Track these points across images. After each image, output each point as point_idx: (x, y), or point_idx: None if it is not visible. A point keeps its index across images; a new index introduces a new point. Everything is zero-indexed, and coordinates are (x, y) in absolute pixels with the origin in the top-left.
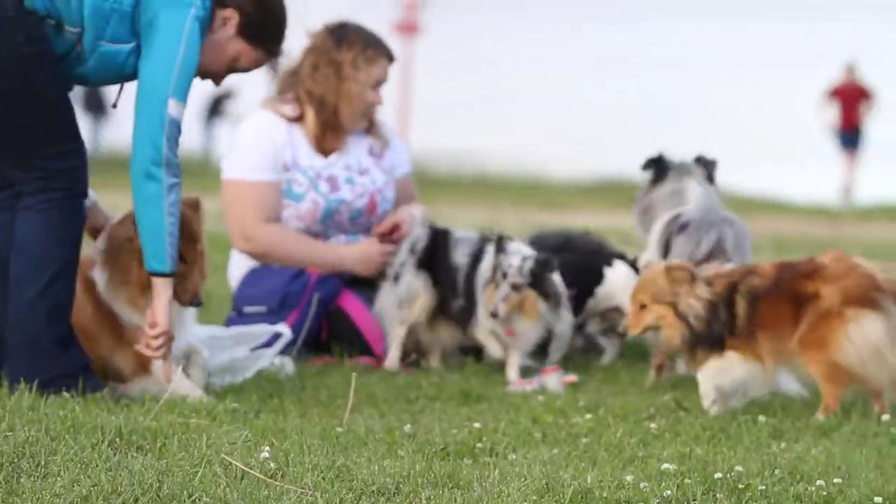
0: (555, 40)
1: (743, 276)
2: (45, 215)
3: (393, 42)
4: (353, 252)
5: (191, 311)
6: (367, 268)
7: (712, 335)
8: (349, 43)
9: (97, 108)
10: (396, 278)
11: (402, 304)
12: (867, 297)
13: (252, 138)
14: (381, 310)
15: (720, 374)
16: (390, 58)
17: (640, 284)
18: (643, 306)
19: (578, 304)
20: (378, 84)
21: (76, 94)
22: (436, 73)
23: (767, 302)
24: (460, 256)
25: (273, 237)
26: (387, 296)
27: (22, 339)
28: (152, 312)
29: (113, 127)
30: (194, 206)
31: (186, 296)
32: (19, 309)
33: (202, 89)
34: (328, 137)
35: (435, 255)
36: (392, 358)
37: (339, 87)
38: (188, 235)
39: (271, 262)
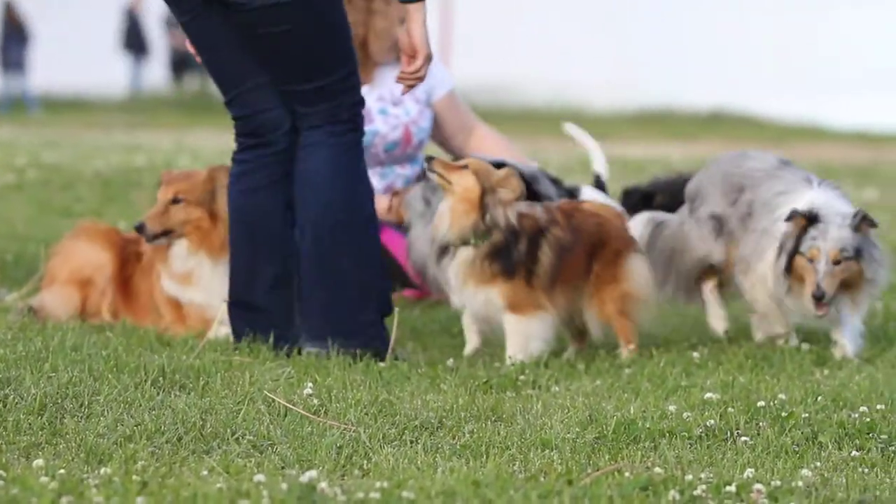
0: None
1: (549, 224)
2: (335, 151)
3: None
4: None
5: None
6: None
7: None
8: None
9: (138, 47)
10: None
11: None
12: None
13: None
14: (426, 255)
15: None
16: None
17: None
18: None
19: None
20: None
21: (116, 34)
22: (476, 4)
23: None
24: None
25: None
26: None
27: (324, 293)
28: (410, 40)
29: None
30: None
31: None
32: (321, 260)
33: None
34: (359, 69)
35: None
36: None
37: (368, 20)
38: None
39: None
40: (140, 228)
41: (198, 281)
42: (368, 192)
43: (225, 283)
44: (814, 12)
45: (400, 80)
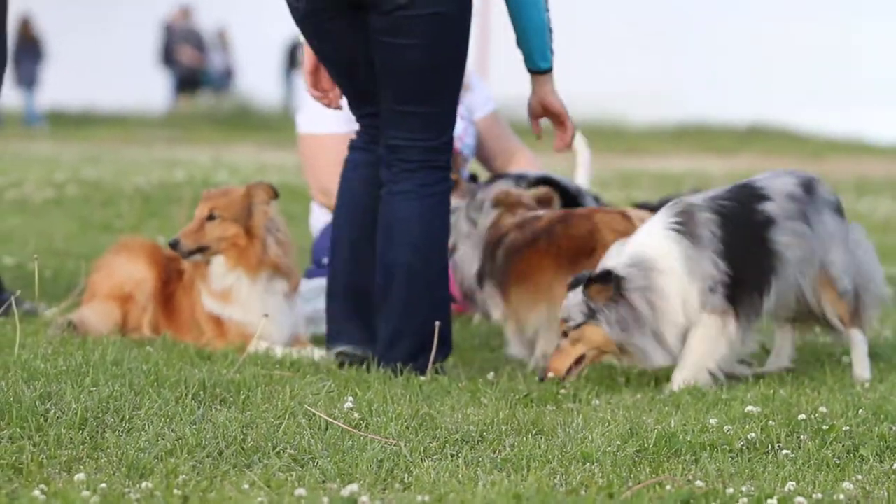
0: None
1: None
2: (431, 202)
3: None
4: None
5: (295, 298)
6: None
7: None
8: None
9: (172, 62)
10: None
11: None
12: None
13: None
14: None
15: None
16: None
17: None
18: None
19: None
20: None
21: (150, 49)
22: None
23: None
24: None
25: None
26: None
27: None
28: (550, 105)
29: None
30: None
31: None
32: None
33: (278, 40)
34: None
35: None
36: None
37: None
38: None
39: None
40: (174, 245)
41: (236, 298)
42: (447, 237)
43: (263, 298)
44: (853, 24)
45: (558, 149)
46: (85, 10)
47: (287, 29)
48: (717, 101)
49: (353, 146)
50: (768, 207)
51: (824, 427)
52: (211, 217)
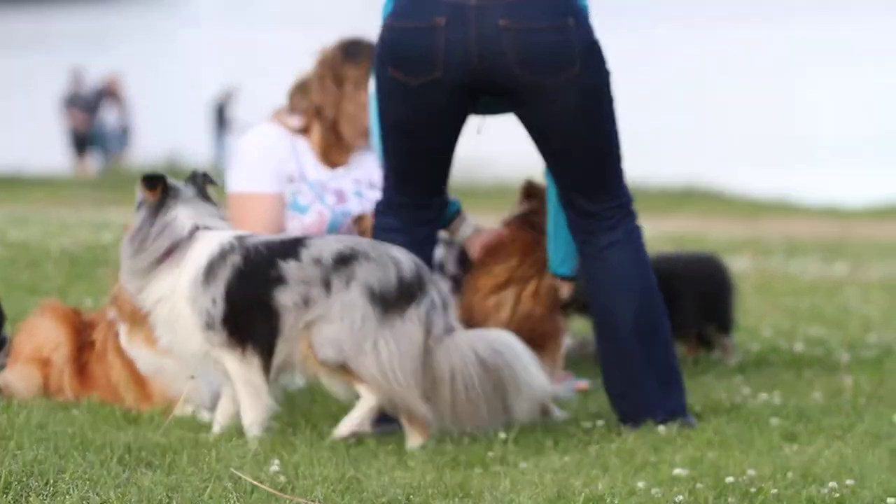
0: None
1: None
2: (637, 246)
3: None
4: None
5: None
6: None
7: None
8: (356, 61)
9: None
10: None
11: None
12: None
13: (254, 150)
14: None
15: None
16: None
17: None
18: None
19: None
20: None
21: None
22: None
23: None
24: None
25: None
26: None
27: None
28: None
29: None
30: None
31: None
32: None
33: (206, 97)
34: (333, 151)
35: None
36: None
37: (340, 104)
38: None
39: None
40: None
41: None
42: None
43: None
44: (784, 86)
45: None
46: (13, 72)
47: (215, 88)
48: (651, 163)
49: (389, 227)
50: (287, 266)
51: (752, 490)
52: None
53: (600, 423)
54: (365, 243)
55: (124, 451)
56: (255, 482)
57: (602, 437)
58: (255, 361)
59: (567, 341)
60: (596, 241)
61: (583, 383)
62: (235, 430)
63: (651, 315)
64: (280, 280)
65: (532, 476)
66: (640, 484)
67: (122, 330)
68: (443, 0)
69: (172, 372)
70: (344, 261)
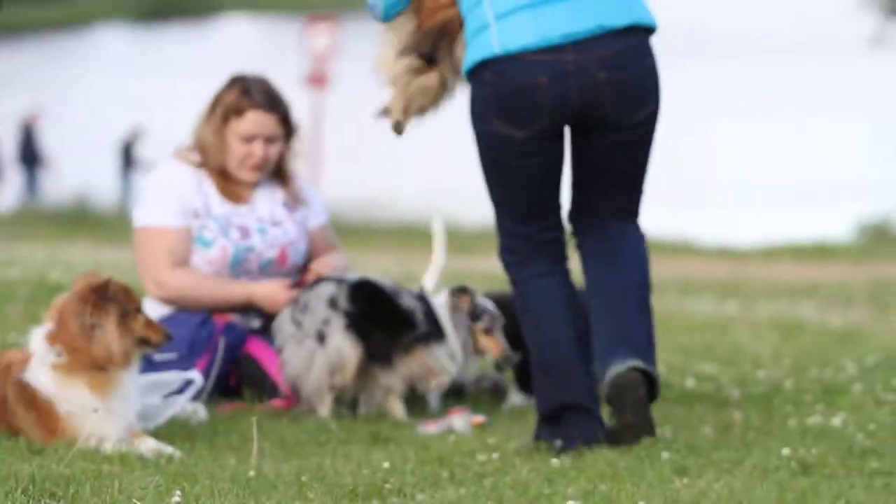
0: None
1: None
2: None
3: (303, 94)
4: (262, 289)
5: (137, 382)
6: (272, 307)
7: None
8: (230, 92)
9: (33, 160)
10: (321, 338)
11: (333, 369)
12: None
13: (160, 186)
14: (301, 373)
15: None
16: (268, 110)
17: None
18: None
19: None
20: (248, 137)
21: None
22: (346, 123)
23: None
24: (409, 301)
25: (183, 281)
26: (309, 357)
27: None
28: None
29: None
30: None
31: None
32: None
33: (112, 138)
34: (229, 186)
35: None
36: (326, 413)
37: (218, 137)
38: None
39: (184, 306)
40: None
41: (114, 390)
42: None
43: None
44: (681, 130)
45: None
46: None
47: (122, 130)
48: None
49: (536, 274)
50: None
51: None
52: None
53: (495, 456)
54: None
55: (28, 482)
56: None
57: (497, 469)
58: None
59: (471, 374)
60: (617, 230)
61: (479, 418)
62: (138, 461)
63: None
64: None
65: None
66: None
67: (49, 372)
68: (542, 61)
69: (88, 413)
70: None
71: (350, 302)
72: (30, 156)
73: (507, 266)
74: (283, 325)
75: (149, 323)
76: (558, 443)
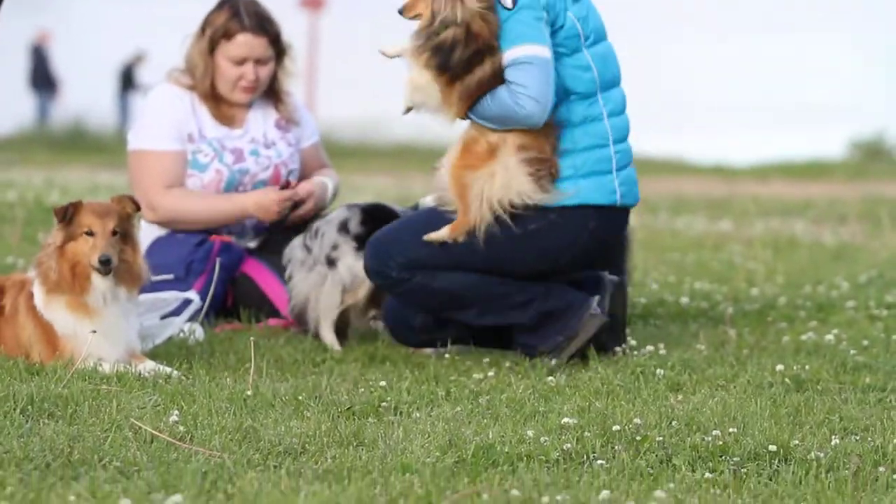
0: None
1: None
2: None
3: (299, 17)
4: (253, 199)
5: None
6: (265, 214)
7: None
8: (220, 14)
9: (45, 84)
10: (331, 263)
11: (345, 289)
12: None
13: (155, 109)
14: (311, 295)
15: None
16: (258, 32)
17: None
18: None
19: None
20: (239, 60)
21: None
22: (341, 44)
23: None
24: None
25: (176, 200)
26: (319, 281)
27: None
28: None
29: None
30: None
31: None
32: None
33: (112, 60)
34: (222, 109)
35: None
36: (332, 340)
37: (206, 60)
38: None
39: (179, 227)
40: (107, 262)
41: (101, 313)
42: None
43: (126, 312)
44: (675, 51)
45: None
46: None
47: (120, 51)
48: None
49: None
50: None
51: (638, 438)
52: (115, 232)
53: (491, 374)
54: None
55: (27, 402)
56: (154, 432)
57: (493, 388)
58: None
59: None
60: None
61: None
62: (136, 381)
63: None
64: None
65: (424, 425)
66: (530, 432)
67: (40, 293)
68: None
69: (85, 335)
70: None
71: (361, 225)
72: (42, 80)
73: None
74: (295, 252)
75: (95, 246)
76: (553, 361)
